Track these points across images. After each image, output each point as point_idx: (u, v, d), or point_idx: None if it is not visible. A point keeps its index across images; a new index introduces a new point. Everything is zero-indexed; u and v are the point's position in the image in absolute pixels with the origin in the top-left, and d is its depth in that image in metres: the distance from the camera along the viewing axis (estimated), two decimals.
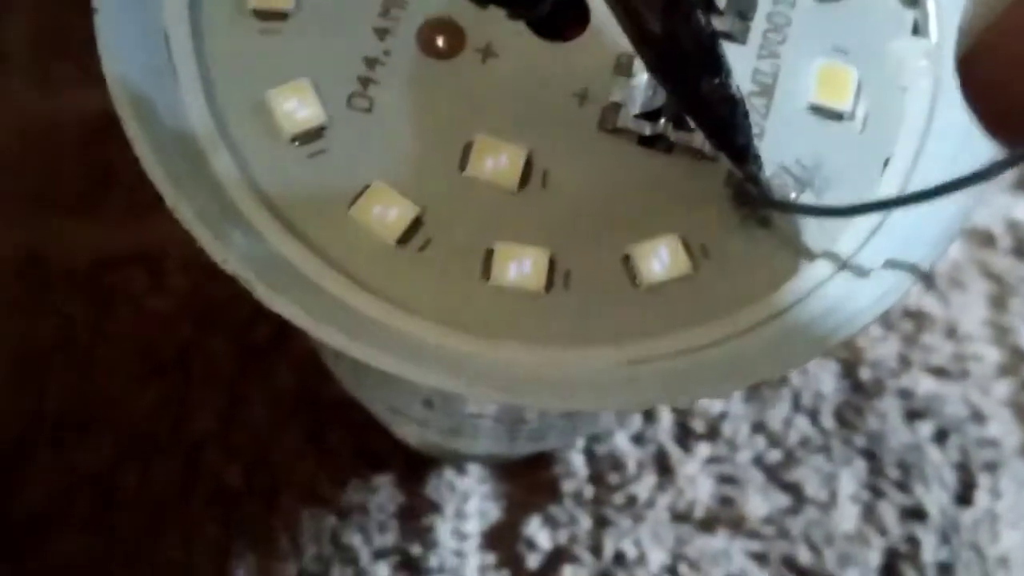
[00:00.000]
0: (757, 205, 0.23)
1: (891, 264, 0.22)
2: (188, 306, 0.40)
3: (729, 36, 0.24)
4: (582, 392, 0.22)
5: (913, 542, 0.39)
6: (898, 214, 0.23)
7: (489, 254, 0.22)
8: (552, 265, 0.22)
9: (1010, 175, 0.43)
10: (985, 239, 0.42)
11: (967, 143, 0.23)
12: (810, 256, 0.23)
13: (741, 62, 0.24)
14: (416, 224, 0.22)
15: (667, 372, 0.22)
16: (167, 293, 0.40)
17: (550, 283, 0.22)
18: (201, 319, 0.40)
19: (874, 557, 0.39)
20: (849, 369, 0.41)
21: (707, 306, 0.22)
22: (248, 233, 0.21)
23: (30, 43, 0.42)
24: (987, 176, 0.18)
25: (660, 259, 0.23)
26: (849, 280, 0.23)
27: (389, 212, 0.22)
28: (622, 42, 0.22)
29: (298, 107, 0.22)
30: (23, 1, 0.43)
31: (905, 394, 0.40)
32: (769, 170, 0.23)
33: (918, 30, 0.25)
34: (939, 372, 0.41)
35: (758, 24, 0.24)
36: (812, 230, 0.23)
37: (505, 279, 0.22)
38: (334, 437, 0.39)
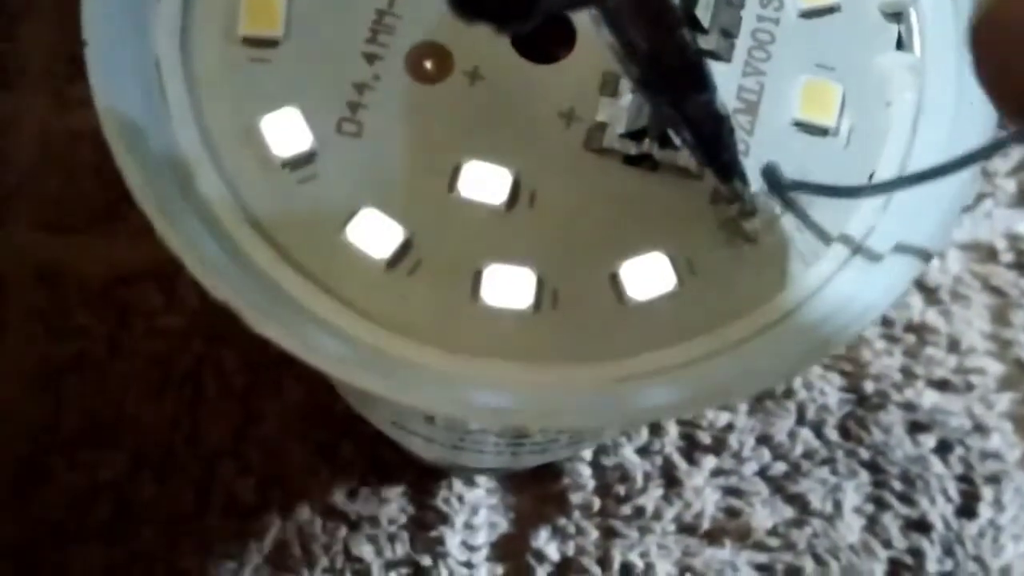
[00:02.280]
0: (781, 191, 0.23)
1: (878, 276, 0.23)
2: (200, 322, 0.40)
3: (714, 54, 0.24)
4: (571, 411, 0.22)
5: (917, 554, 0.39)
6: (883, 228, 0.23)
7: (478, 275, 0.22)
8: (540, 284, 0.22)
9: (1013, 191, 0.43)
10: (987, 253, 0.42)
11: (950, 155, 0.23)
12: (796, 269, 0.23)
13: (726, 80, 0.24)
14: (406, 247, 0.22)
15: (656, 388, 0.22)
16: (179, 310, 0.41)
17: (538, 302, 0.22)
18: (213, 335, 0.40)
19: (878, 569, 0.39)
20: (853, 382, 0.41)
21: (694, 322, 0.23)
22: (239, 259, 0.22)
23: (48, 61, 0.43)
24: (988, 154, 0.18)
25: (647, 276, 0.23)
26: (837, 292, 0.23)
27: (379, 235, 0.22)
28: (607, 62, 0.23)
29: (288, 133, 0.23)
30: (41, 20, 0.43)
31: (909, 407, 0.40)
32: (755, 186, 0.23)
33: (902, 44, 0.25)
34: (942, 385, 0.41)
35: (742, 42, 0.24)
36: (797, 244, 0.23)
37: (494, 299, 0.22)
38: (345, 450, 0.40)
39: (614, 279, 0.23)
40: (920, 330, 0.41)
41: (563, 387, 0.22)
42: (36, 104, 0.42)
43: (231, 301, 0.21)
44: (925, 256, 0.22)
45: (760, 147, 0.24)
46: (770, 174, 0.23)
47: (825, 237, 0.23)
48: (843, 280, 0.23)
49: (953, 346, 0.41)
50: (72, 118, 0.42)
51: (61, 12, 0.43)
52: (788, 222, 0.23)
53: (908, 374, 0.41)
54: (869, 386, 0.40)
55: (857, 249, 0.23)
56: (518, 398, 0.22)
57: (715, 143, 0.22)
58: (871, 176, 0.24)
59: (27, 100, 0.42)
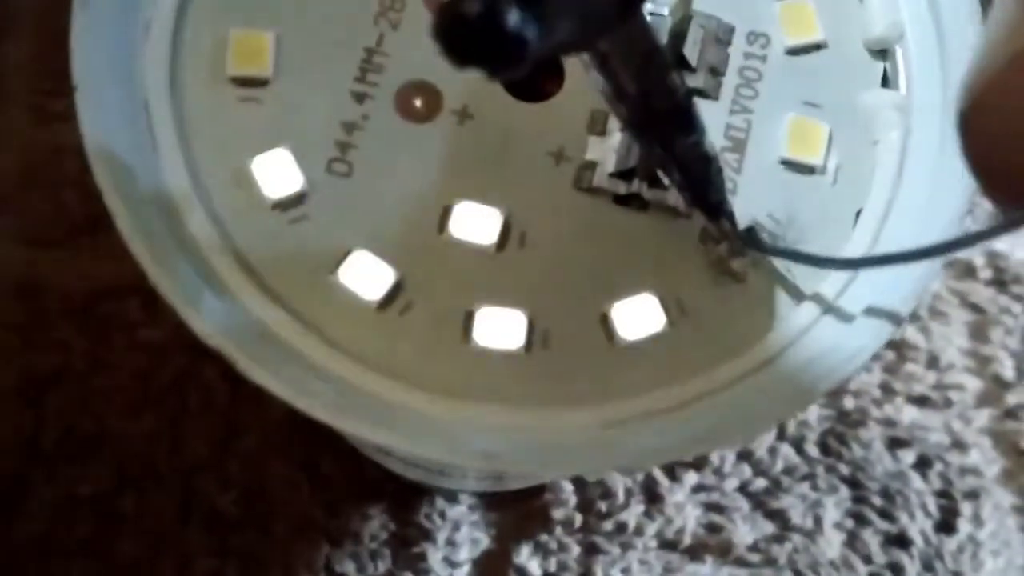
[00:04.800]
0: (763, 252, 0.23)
1: (869, 314, 0.23)
2: (182, 336, 0.40)
3: (702, 92, 0.24)
4: (559, 458, 0.22)
5: (897, 569, 0.39)
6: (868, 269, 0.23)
7: (469, 316, 0.22)
8: (531, 326, 0.23)
9: (991, 209, 0.43)
10: (966, 270, 0.43)
11: (937, 194, 0.23)
12: (785, 310, 0.23)
13: (714, 118, 0.24)
14: (397, 288, 0.22)
15: (643, 434, 0.22)
16: (161, 324, 0.40)
17: (529, 344, 0.22)
18: (194, 349, 0.40)
19: None
20: (833, 398, 0.41)
21: (684, 363, 0.23)
22: (229, 302, 0.22)
23: (29, 74, 0.42)
24: (979, 240, 0.18)
25: (636, 317, 0.23)
26: (827, 332, 0.23)
27: (370, 277, 0.22)
28: (595, 100, 0.23)
29: (278, 174, 0.23)
30: (23, 34, 0.43)
31: (888, 423, 0.41)
32: (743, 224, 0.23)
33: (888, 82, 0.25)
34: (921, 401, 0.41)
35: (730, 80, 0.24)
36: (786, 284, 0.23)
37: (485, 341, 0.22)
38: (327, 466, 0.40)
39: (604, 319, 0.23)
40: (899, 346, 0.41)
41: (554, 431, 0.22)
42: (18, 118, 0.42)
43: (224, 349, 0.21)
44: (897, 321, 0.22)
45: (748, 185, 0.24)
46: (750, 238, 0.23)
47: (813, 277, 0.23)
48: (832, 319, 0.23)
49: (932, 362, 0.41)
50: (54, 132, 0.41)
51: (44, 27, 0.43)
52: (777, 261, 0.23)
53: (887, 390, 0.41)
54: (849, 402, 0.41)
55: (847, 286, 0.23)
56: (509, 443, 0.22)
57: (703, 183, 0.22)
58: (858, 213, 0.24)
59: (9, 114, 0.42)
